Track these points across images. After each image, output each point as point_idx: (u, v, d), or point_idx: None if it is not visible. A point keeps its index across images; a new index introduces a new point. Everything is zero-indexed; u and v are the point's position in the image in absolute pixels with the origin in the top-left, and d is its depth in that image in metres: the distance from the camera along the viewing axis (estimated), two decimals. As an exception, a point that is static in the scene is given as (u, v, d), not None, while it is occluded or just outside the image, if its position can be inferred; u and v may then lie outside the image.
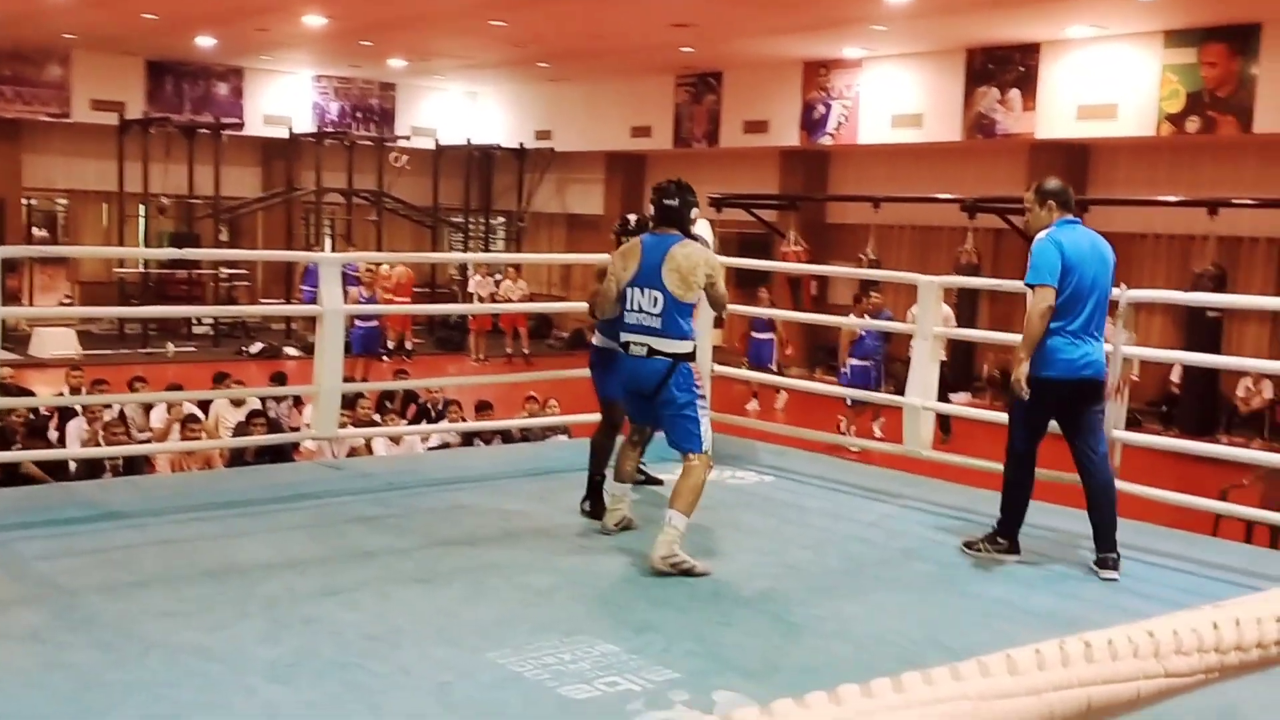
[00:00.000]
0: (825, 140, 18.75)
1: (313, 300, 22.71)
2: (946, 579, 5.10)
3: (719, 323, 6.86)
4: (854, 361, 13.37)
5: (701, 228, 7.58)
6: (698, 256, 5.21)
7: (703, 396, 5.26)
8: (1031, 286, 5.10)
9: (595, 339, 6.00)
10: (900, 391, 13.26)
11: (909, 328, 10.29)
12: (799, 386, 10.16)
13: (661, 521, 5.00)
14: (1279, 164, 14.69)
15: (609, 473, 5.76)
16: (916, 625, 4.48)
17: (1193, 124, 14.36)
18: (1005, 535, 5.33)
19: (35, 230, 23.41)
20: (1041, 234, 5.19)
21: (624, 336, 5.28)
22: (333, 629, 4.19)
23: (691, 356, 5.25)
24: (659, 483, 6.25)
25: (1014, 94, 16.17)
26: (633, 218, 6.11)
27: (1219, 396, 14.59)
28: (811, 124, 18.81)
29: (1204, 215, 14.07)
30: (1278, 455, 10.07)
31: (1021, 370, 5.11)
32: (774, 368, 15.66)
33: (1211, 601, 4.41)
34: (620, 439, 5.75)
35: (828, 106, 18.56)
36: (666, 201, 5.29)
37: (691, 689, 3.78)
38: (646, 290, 5.17)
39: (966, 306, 15.73)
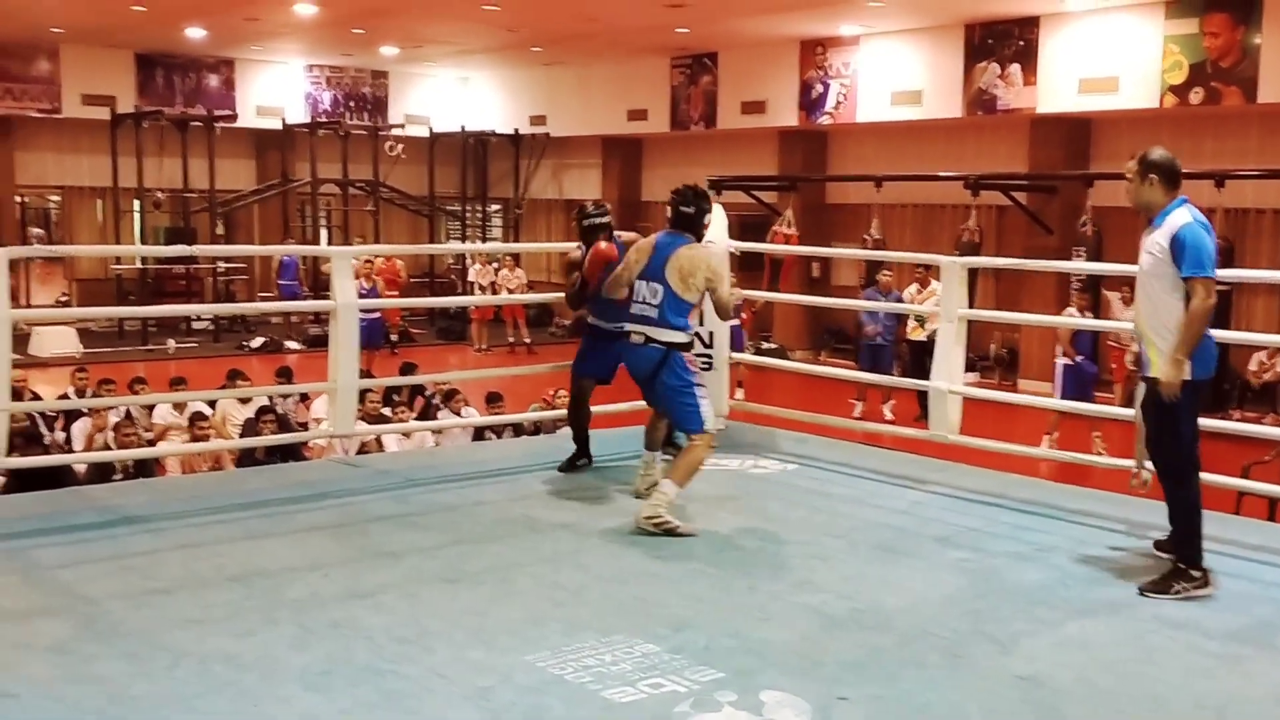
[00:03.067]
0: (824, 120, 18.62)
1: (292, 294, 22.63)
2: (984, 567, 5.00)
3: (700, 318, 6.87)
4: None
5: (716, 213, 7.53)
6: (700, 260, 5.65)
7: (701, 383, 5.64)
8: (1193, 279, 4.59)
9: (591, 319, 6.40)
10: (907, 373, 13.37)
11: (929, 309, 10.21)
12: (812, 371, 10.04)
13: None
14: (1284, 134, 14.61)
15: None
16: (959, 616, 4.38)
17: (1196, 95, 14.25)
18: (1198, 565, 4.70)
19: (31, 229, 23.25)
20: (1182, 217, 4.67)
21: (627, 325, 5.72)
22: (363, 633, 4.10)
23: (686, 347, 5.66)
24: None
25: (1014, 68, 16.04)
26: (590, 204, 6.43)
27: (1230, 371, 14.51)
28: (810, 103, 18.67)
29: (1210, 188, 13.95)
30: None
31: (1183, 372, 4.62)
32: (748, 350, 15.54)
33: (1257, 584, 4.28)
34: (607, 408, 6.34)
35: (826, 85, 18.43)
36: (683, 209, 5.73)
37: (737, 688, 3.69)
38: (650, 283, 5.64)
39: (970, 285, 15.61)
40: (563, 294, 6.53)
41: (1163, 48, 14.45)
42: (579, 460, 6.54)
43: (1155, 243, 4.74)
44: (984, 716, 3.60)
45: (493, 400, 10.57)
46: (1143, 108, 14.87)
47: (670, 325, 5.59)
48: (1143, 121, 15.62)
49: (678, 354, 5.60)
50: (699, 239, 5.75)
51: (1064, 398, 9.85)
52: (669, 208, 5.80)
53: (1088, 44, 15.24)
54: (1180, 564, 4.72)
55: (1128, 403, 5.23)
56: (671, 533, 5.29)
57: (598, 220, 6.26)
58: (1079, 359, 12.04)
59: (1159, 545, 5.08)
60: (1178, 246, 4.63)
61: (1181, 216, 4.69)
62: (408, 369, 12.30)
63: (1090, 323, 10.63)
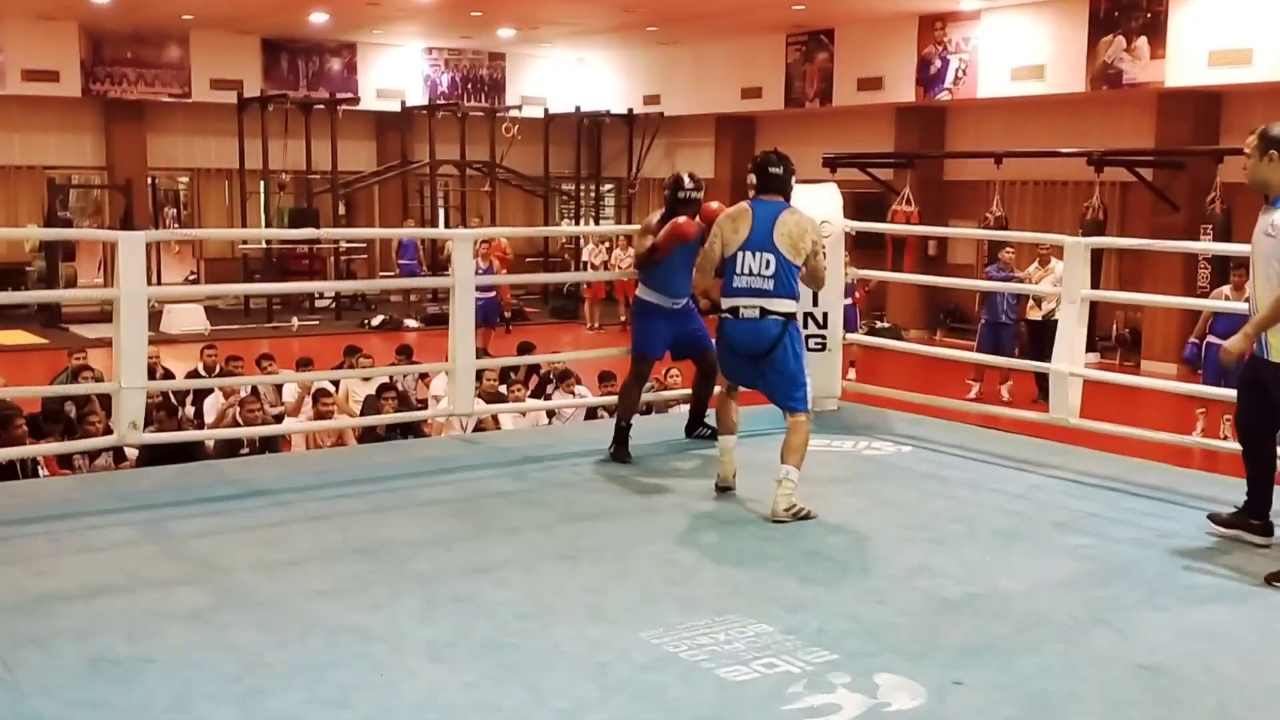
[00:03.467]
0: (942, 95, 18.31)
1: (411, 273, 23.03)
2: (1104, 554, 4.93)
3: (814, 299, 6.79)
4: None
5: (829, 192, 7.48)
6: (806, 223, 5.46)
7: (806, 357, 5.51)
8: None
9: (640, 291, 6.30)
10: (1025, 354, 13.13)
11: (1049, 290, 9.99)
12: (926, 352, 9.93)
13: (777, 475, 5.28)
14: None
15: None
16: (1078, 604, 4.33)
17: (1336, 67, 13.71)
18: (1264, 517, 4.95)
19: (167, 209, 23.99)
20: None
21: (733, 301, 5.43)
22: (485, 607, 4.20)
23: (796, 317, 5.48)
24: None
25: (1141, 41, 15.58)
26: (687, 177, 6.23)
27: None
28: (928, 79, 18.37)
29: (1349, 163, 13.42)
30: None
31: (1243, 346, 4.69)
32: (861, 330, 15.39)
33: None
34: (717, 390, 5.94)
35: (944, 60, 18.11)
36: (772, 170, 5.50)
37: (851, 670, 3.71)
38: (759, 253, 5.37)
39: (1093, 264, 15.26)
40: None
41: (1300, 17, 13.91)
42: (700, 430, 6.60)
43: (1274, 224, 4.62)
44: (1104, 705, 3.56)
45: (605, 379, 10.65)
46: (1278, 80, 14.33)
47: (787, 294, 5.37)
48: (1278, 95, 15.06)
49: (794, 325, 5.42)
50: (789, 200, 5.52)
51: (1206, 381, 9.52)
52: (753, 174, 5.54)
53: (1219, 15, 14.72)
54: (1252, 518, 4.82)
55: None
56: (806, 517, 5.23)
57: (693, 195, 6.13)
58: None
59: (1218, 519, 5.08)
60: None
61: None
62: (525, 349, 12.45)
63: (1215, 304, 10.26)
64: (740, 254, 5.40)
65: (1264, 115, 15.37)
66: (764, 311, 5.35)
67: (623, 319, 20.30)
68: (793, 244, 5.36)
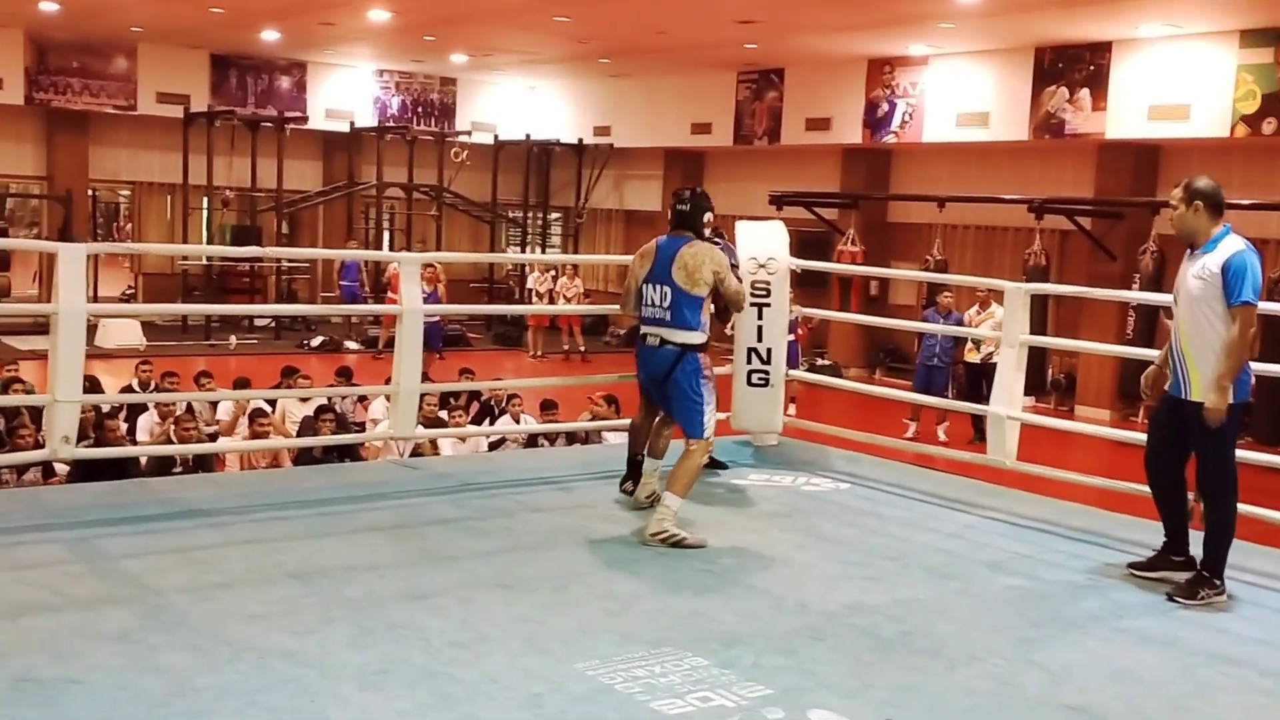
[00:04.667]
0: (889, 138, 18.57)
1: (352, 294, 22.77)
2: (1037, 595, 4.99)
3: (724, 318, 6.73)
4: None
5: (776, 229, 7.55)
6: (704, 255, 5.67)
7: (710, 387, 5.66)
8: (1240, 305, 4.73)
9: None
10: (963, 395, 13.29)
11: (989, 334, 10.13)
12: (867, 390, 10.04)
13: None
14: (1358, 167, 14.38)
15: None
16: (1010, 644, 4.38)
17: (1269, 126, 14.05)
18: (1221, 577, 4.95)
19: (113, 221, 23.66)
20: (1235, 244, 4.83)
21: (642, 329, 5.80)
22: (420, 635, 4.16)
23: (701, 348, 5.67)
24: (725, 467, 6.87)
25: (1084, 93, 15.91)
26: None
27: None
28: (875, 122, 18.62)
29: (1280, 219, 13.79)
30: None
31: (1226, 398, 4.78)
32: (802, 367, 15.52)
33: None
34: (656, 421, 6.09)
35: (892, 104, 18.38)
36: (679, 206, 5.81)
37: (786, 705, 3.72)
38: (658, 286, 5.69)
39: (1036, 310, 15.49)
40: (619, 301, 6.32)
41: (1236, 76, 14.26)
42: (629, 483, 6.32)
43: (1205, 268, 4.85)
44: (1033, 746, 3.60)
45: (547, 407, 10.65)
46: (1213, 136, 14.69)
47: (683, 325, 5.61)
48: (1213, 150, 15.43)
49: (692, 355, 5.63)
50: (699, 236, 5.76)
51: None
52: (670, 211, 5.86)
53: (1159, 71, 15.09)
54: (1204, 572, 4.93)
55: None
56: (680, 545, 5.31)
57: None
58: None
59: (1139, 565, 5.23)
60: (1230, 273, 4.76)
61: (1235, 244, 4.84)
62: (466, 375, 12.40)
63: (1146, 352, 10.44)
64: (644, 286, 5.76)
65: (1200, 169, 15.60)
66: (662, 340, 5.66)
67: (565, 347, 20.30)
68: (688, 275, 5.60)
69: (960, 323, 13.62)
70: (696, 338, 5.64)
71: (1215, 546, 4.94)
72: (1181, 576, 5.04)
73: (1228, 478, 4.95)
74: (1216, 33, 14.37)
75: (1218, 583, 4.92)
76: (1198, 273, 4.87)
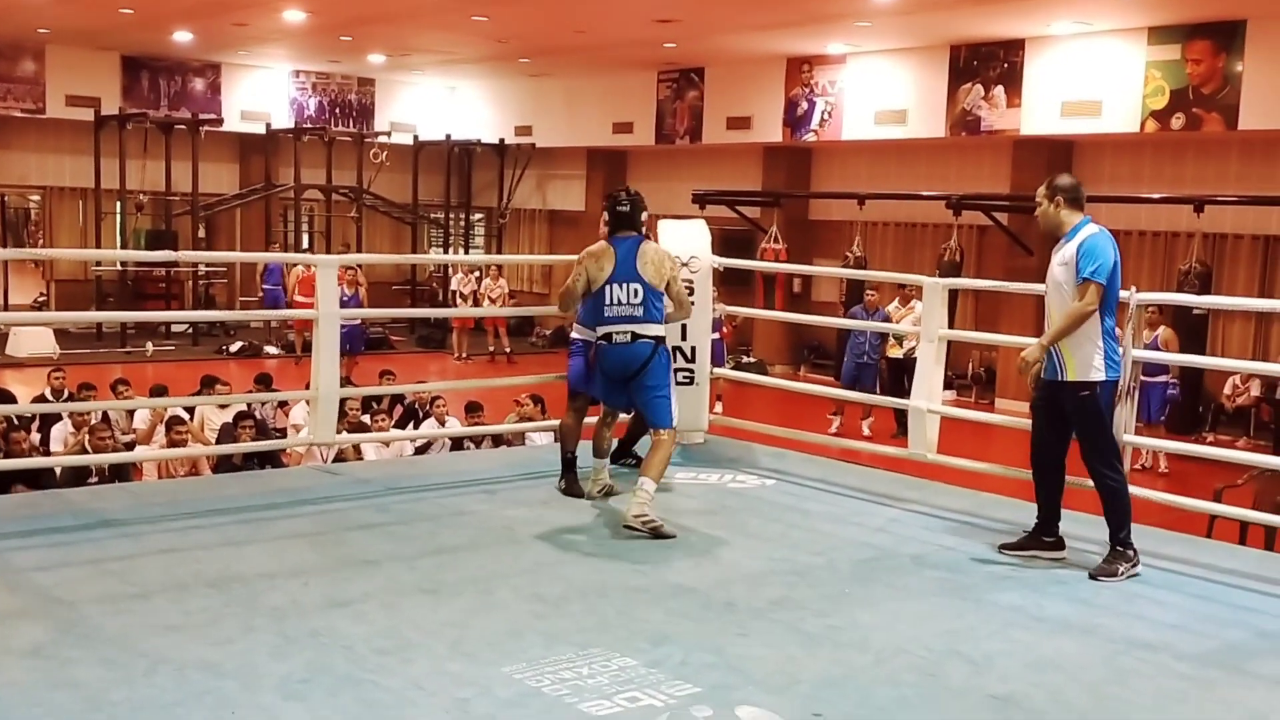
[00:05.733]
0: (809, 136, 18.70)
1: (274, 298, 22.47)
2: (960, 586, 5.05)
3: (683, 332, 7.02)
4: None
5: (698, 228, 7.57)
6: (663, 254, 5.96)
7: (673, 379, 5.93)
8: (1087, 282, 5.09)
9: (575, 332, 6.48)
10: (886, 390, 13.43)
11: (909, 329, 10.26)
12: (791, 387, 10.10)
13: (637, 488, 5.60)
14: (1263, 161, 14.74)
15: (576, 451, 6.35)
16: (934, 635, 4.42)
17: (1177, 121, 14.37)
18: (1131, 545, 5.21)
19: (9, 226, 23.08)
20: (1091, 229, 5.20)
21: (606, 328, 5.84)
22: (342, 642, 4.10)
23: (665, 340, 5.91)
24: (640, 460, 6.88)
25: (998, 90, 16.15)
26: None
27: (1205, 395, 14.64)
28: (795, 120, 18.75)
29: (1189, 212, 14.10)
30: (1273, 457, 10.10)
31: (1042, 354, 5.21)
32: (727, 365, 15.61)
33: (1229, 608, 4.40)
34: (592, 420, 6.35)
35: (811, 103, 18.51)
36: (620, 208, 5.90)
37: (714, 704, 3.71)
38: (626, 284, 5.79)
39: (950, 304, 15.73)
40: (544, 303, 6.59)
41: (1145, 73, 14.57)
42: (626, 459, 6.85)
43: (1067, 253, 5.21)
44: (958, 735, 3.63)
45: (472, 410, 10.57)
46: (1124, 132, 14.99)
47: (655, 320, 5.82)
48: (1124, 145, 15.77)
49: (664, 348, 5.86)
50: (641, 234, 5.92)
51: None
52: (606, 213, 5.95)
53: (1071, 68, 15.36)
54: (1118, 547, 5.18)
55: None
56: (657, 530, 5.46)
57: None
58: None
59: (1010, 545, 5.47)
60: (1081, 252, 5.12)
61: (1090, 230, 5.21)
62: (387, 378, 12.28)
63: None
64: (608, 287, 5.81)
65: (1113, 163, 16.14)
66: (635, 336, 5.79)
67: (490, 349, 20.19)
68: (656, 272, 5.81)
69: (887, 319, 13.77)
70: (664, 330, 5.89)
71: (1116, 517, 5.21)
72: (1050, 555, 5.33)
73: (1109, 449, 5.24)
74: (1126, 30, 14.67)
75: (1131, 554, 5.18)
76: (1061, 260, 5.24)
